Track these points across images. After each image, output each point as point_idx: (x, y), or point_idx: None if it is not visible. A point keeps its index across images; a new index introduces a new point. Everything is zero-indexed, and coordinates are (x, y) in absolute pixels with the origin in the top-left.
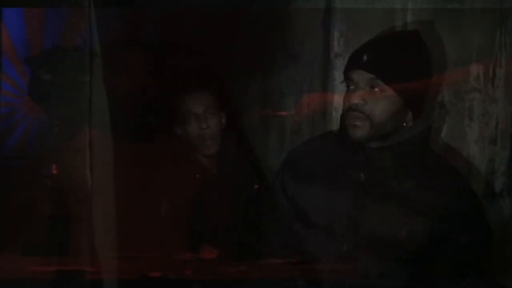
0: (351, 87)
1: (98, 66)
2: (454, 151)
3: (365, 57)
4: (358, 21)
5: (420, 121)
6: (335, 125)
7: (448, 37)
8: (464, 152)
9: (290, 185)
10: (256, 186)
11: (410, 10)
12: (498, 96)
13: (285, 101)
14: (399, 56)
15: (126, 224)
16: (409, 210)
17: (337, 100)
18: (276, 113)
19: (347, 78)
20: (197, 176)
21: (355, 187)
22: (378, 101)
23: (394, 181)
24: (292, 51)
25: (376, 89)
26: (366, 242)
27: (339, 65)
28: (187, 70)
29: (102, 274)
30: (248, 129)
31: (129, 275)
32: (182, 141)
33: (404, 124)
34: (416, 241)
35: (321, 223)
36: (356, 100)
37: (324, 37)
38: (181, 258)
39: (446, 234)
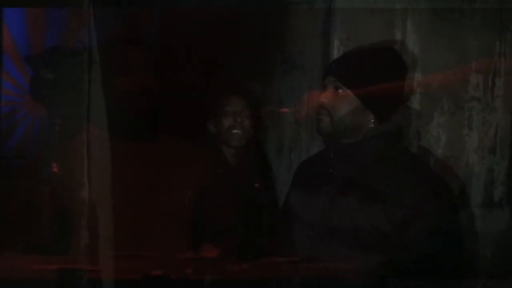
0: (325, 88)
1: (97, 71)
2: (453, 160)
3: (333, 65)
4: (357, 30)
5: (390, 122)
6: None
7: (447, 46)
8: (463, 161)
9: (291, 193)
10: (267, 183)
11: (410, 17)
12: (498, 106)
13: (285, 108)
14: (358, 63)
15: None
16: (373, 201)
17: None
18: (275, 120)
19: (323, 82)
20: (220, 168)
21: (328, 182)
22: (339, 100)
23: (360, 173)
24: (292, 59)
25: (340, 91)
26: (337, 233)
27: None
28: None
29: (107, 274)
30: None
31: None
32: (211, 135)
33: (366, 124)
34: (380, 229)
35: (302, 217)
36: (322, 99)
37: (323, 45)
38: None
39: (412, 221)
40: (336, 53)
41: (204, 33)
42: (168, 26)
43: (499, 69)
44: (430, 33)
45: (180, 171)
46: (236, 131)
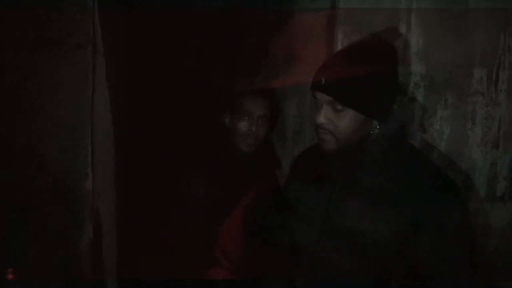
0: (318, 103)
1: (101, 64)
2: (456, 154)
3: (323, 80)
4: (362, 22)
5: (389, 122)
6: None
7: (452, 40)
8: (466, 156)
9: (289, 183)
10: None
11: (414, 10)
12: (501, 100)
13: (288, 101)
14: (356, 76)
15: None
16: (381, 204)
17: None
18: (279, 112)
19: (313, 95)
20: (233, 165)
21: (332, 185)
22: (341, 119)
23: (364, 177)
24: (296, 52)
25: (339, 107)
26: (341, 235)
27: None
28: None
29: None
30: None
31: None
32: (226, 131)
33: (371, 131)
34: (390, 234)
35: (303, 215)
36: (321, 120)
37: (328, 38)
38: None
39: (422, 224)
40: (340, 46)
41: (211, 29)
42: (170, 22)
43: (503, 63)
44: (434, 25)
45: (190, 163)
46: (249, 140)
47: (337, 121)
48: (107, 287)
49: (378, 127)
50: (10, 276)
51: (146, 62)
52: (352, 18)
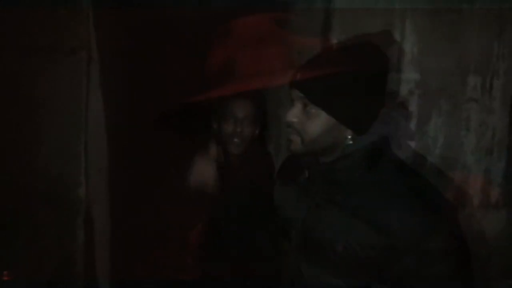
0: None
1: (95, 69)
2: (450, 161)
3: (298, 76)
4: (357, 27)
5: (371, 133)
6: None
7: (446, 47)
8: (460, 162)
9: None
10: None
11: (409, 18)
12: (495, 107)
13: (283, 108)
14: (332, 76)
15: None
16: (358, 225)
17: None
18: (273, 119)
19: (290, 94)
20: (220, 169)
21: (306, 198)
22: (310, 119)
23: (340, 195)
24: (291, 58)
25: (310, 107)
26: (316, 251)
27: None
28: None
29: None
30: None
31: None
32: (215, 136)
33: (345, 142)
34: (374, 255)
35: (282, 225)
36: (289, 118)
37: (323, 42)
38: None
39: (408, 245)
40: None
41: (203, 32)
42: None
43: (497, 70)
44: (429, 33)
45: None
46: (236, 140)
47: (305, 120)
48: None
49: (350, 137)
50: (5, 278)
51: (140, 67)
52: (346, 21)
